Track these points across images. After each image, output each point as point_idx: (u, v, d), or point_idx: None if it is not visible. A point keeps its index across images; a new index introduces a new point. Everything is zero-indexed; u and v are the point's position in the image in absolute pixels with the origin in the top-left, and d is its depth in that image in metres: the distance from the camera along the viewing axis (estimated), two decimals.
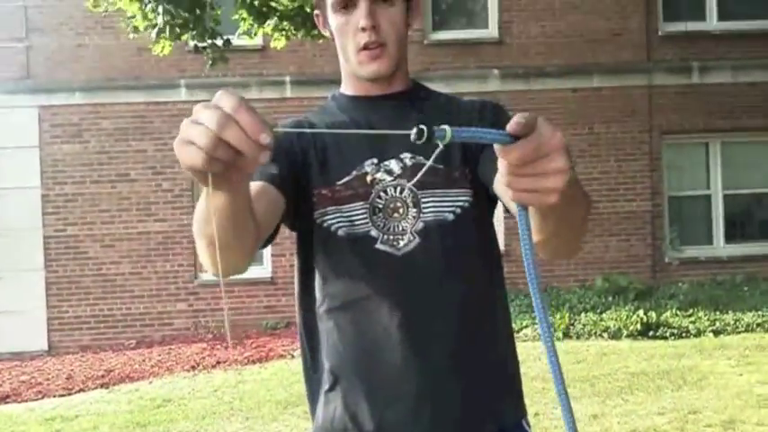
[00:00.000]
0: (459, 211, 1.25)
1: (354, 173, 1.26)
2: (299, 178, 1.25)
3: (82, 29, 9.11)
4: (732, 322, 7.20)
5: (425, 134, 0.73)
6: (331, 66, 9.42)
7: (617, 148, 9.79)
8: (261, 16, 6.30)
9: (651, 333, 6.98)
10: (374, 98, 1.34)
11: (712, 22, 10.05)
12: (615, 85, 9.82)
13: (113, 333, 9.19)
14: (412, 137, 0.73)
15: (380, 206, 1.24)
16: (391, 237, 1.23)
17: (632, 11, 9.86)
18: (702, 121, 9.86)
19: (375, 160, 1.27)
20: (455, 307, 1.24)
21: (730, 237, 10.00)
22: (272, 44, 7.04)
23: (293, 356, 7.14)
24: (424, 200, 1.25)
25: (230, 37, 6.52)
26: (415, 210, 1.24)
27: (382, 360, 1.22)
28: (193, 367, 7.24)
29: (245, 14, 6.28)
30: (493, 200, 1.27)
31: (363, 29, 1.24)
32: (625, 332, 7.01)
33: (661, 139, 9.88)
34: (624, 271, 9.45)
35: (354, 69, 1.31)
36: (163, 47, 5.82)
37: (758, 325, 7.11)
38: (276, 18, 6.37)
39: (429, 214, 1.24)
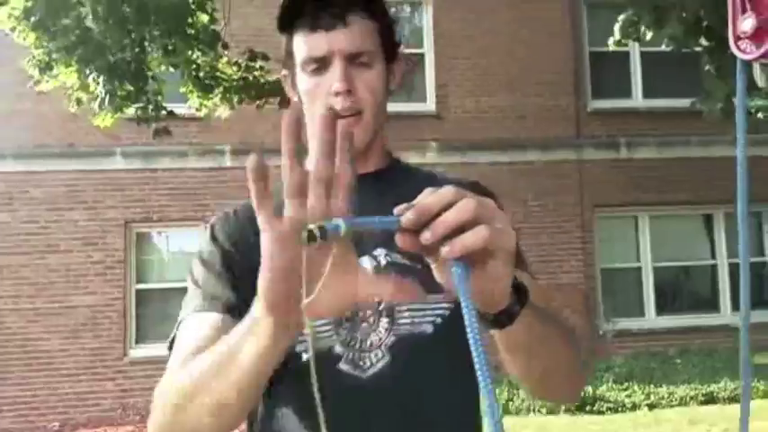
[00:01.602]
0: (439, 320, 1.06)
1: None
2: (247, 295, 1.10)
3: (14, 95, 8.89)
4: (666, 395, 7.34)
5: (317, 235, 0.63)
6: (271, 135, 9.45)
7: (551, 220, 10.03)
8: (207, 88, 6.31)
9: (588, 408, 7.04)
10: None
11: (638, 100, 10.57)
12: (547, 159, 10.13)
13: (35, 415, 8.65)
14: (302, 241, 0.64)
15: (347, 315, 1.03)
16: (357, 354, 1.02)
17: (561, 88, 10.27)
18: (631, 194, 10.22)
19: None
20: None
21: (661, 308, 10.26)
22: (217, 113, 6.98)
23: None
24: (399, 309, 1.05)
25: (173, 107, 6.48)
26: (387, 320, 1.04)
27: None
28: None
29: (191, 87, 6.27)
30: None
31: (337, 93, 1.08)
32: (563, 407, 7.03)
33: (593, 212, 10.19)
34: None
35: None
36: (104, 119, 5.72)
37: (691, 398, 7.27)
38: (222, 89, 6.39)
39: (404, 326, 1.04)
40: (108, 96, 5.38)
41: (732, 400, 7.01)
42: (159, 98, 6.10)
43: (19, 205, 9.03)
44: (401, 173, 1.20)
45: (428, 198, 0.69)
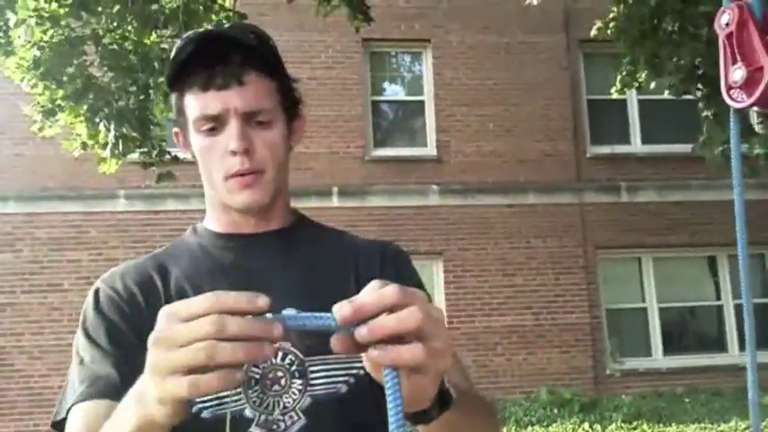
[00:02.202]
0: (352, 380, 1.00)
1: None
2: (135, 368, 1.01)
3: (19, 138, 9.01)
4: None
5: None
6: None
7: (554, 261, 10.05)
8: None
9: None
10: (248, 237, 1.09)
11: (637, 146, 10.68)
12: (549, 201, 10.20)
13: None
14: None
15: (257, 377, 0.97)
16: (270, 417, 0.96)
17: (560, 134, 10.40)
18: (633, 237, 10.26)
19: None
20: None
21: (668, 349, 10.21)
22: None
23: None
24: (312, 368, 0.99)
25: (176, 152, 6.56)
26: (300, 381, 0.98)
27: None
28: None
29: None
30: None
31: (234, 153, 1.01)
32: None
33: (595, 254, 10.21)
34: (567, 383, 9.49)
35: (223, 198, 1.06)
36: (109, 165, 5.80)
37: None
38: None
39: (318, 387, 0.98)
40: (118, 142, 5.46)
41: None
42: (163, 143, 6.18)
43: (22, 246, 9.09)
44: (307, 230, 1.15)
45: (370, 296, 0.66)
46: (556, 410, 8.54)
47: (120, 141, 5.49)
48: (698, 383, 9.68)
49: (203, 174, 1.08)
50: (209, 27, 1.01)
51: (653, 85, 7.35)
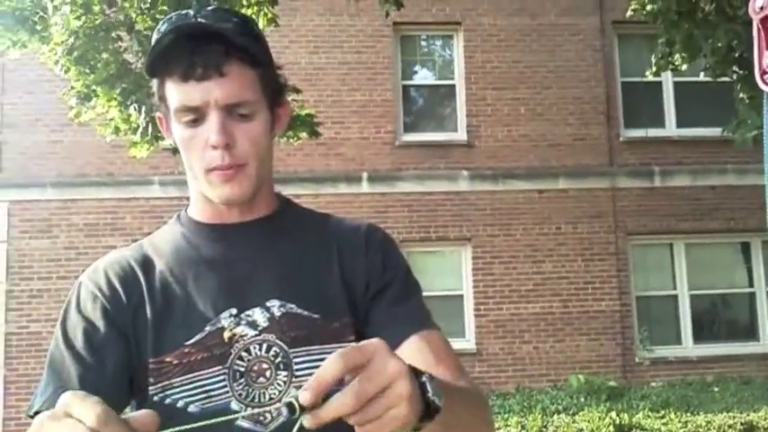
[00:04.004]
0: None
1: (208, 329, 0.99)
2: (129, 357, 0.99)
3: (56, 125, 9.18)
4: (704, 424, 7.16)
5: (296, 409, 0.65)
6: (304, 164, 9.60)
7: (584, 248, 9.96)
8: None
9: None
10: (231, 227, 1.08)
11: (671, 129, 10.50)
12: (580, 187, 10.09)
13: None
14: (283, 413, 0.65)
15: (242, 370, 0.97)
16: (257, 409, 0.97)
17: (593, 118, 10.27)
18: (666, 222, 10.13)
19: (234, 310, 1.00)
20: None
21: (698, 337, 10.09)
22: None
23: None
24: (296, 360, 0.99)
25: None
26: (285, 373, 0.98)
27: None
28: None
29: None
30: None
31: (215, 147, 0.99)
32: None
33: (627, 240, 10.10)
34: (595, 371, 9.44)
35: (204, 190, 1.05)
36: (141, 149, 5.89)
37: (729, 426, 7.08)
38: None
39: (303, 378, 0.97)
40: (149, 125, 5.54)
41: None
42: None
43: (58, 232, 9.28)
44: (292, 215, 1.13)
45: (319, 377, 0.67)
46: (583, 399, 8.49)
47: (151, 125, 5.57)
48: (728, 372, 9.56)
49: (185, 163, 1.05)
50: (191, 11, 0.98)
51: (684, 67, 7.21)
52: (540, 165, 10.10)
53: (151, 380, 0.97)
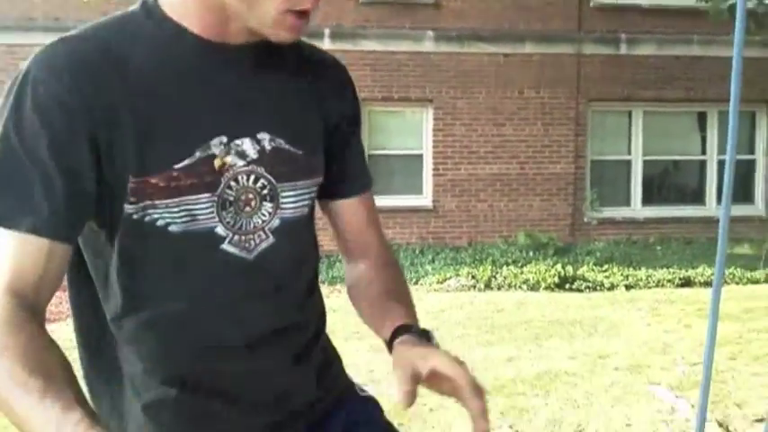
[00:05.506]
0: (310, 203, 1.06)
1: (198, 154, 0.92)
2: (102, 168, 0.88)
3: None
4: (644, 278, 7.54)
5: None
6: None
7: (544, 112, 10.03)
8: None
9: (568, 286, 7.24)
10: (231, 49, 0.96)
11: None
12: (546, 51, 10.03)
13: None
14: None
15: (231, 199, 0.96)
16: (243, 237, 0.98)
17: None
18: (627, 90, 10.19)
19: (224, 138, 0.94)
20: (296, 311, 1.06)
21: (648, 200, 10.43)
22: None
23: None
24: (283, 194, 1.01)
25: None
26: (271, 204, 1.00)
27: (224, 373, 1.00)
28: None
29: None
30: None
31: None
32: (543, 285, 7.25)
33: (588, 106, 10.17)
34: (545, 229, 9.78)
35: (261, 23, 0.92)
36: None
37: (668, 281, 7.46)
38: None
39: (288, 210, 1.01)
40: None
41: (707, 284, 7.08)
42: None
43: (5, 77, 9.00)
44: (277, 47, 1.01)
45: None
46: (531, 253, 8.86)
47: None
48: (673, 233, 9.97)
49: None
50: None
51: None
52: (508, 28, 9.96)
53: (132, 198, 0.89)
